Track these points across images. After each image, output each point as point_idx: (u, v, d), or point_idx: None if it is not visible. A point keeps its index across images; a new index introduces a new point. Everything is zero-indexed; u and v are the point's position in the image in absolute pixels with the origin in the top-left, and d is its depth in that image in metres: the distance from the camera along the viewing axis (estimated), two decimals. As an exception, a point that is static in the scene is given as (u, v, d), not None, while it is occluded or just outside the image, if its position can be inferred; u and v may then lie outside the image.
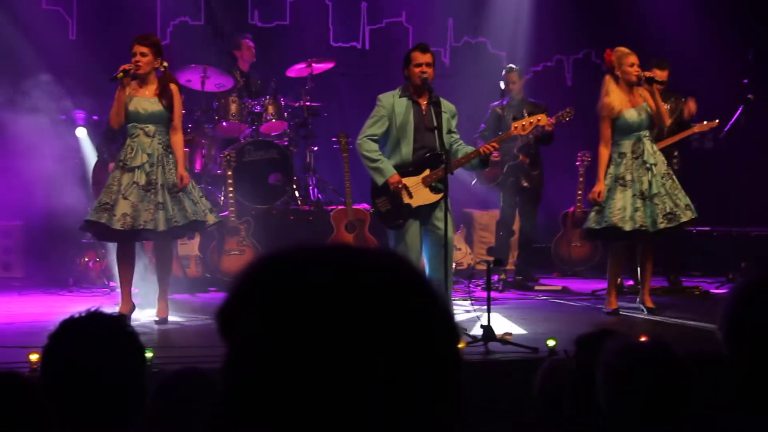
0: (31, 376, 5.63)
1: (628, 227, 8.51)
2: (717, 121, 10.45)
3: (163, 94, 8.30)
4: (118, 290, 8.56)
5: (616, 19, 13.70)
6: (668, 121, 9.32)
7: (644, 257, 8.93)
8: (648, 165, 8.60)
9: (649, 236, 8.65)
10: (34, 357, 5.85)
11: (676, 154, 10.32)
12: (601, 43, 11.25)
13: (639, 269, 9.08)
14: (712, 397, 2.77)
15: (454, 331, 1.38)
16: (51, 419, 2.02)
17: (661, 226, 8.55)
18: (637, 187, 8.56)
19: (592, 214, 8.76)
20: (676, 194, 8.64)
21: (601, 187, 8.66)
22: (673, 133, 10.29)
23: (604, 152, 8.73)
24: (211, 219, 8.46)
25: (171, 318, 8.45)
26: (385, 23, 14.02)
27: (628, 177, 8.59)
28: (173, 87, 8.43)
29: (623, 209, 8.52)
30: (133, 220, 8.05)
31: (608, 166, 8.70)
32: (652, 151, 8.68)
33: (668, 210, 8.57)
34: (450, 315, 1.38)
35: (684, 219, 8.61)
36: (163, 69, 8.36)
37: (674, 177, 8.74)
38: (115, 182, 8.14)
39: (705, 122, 10.42)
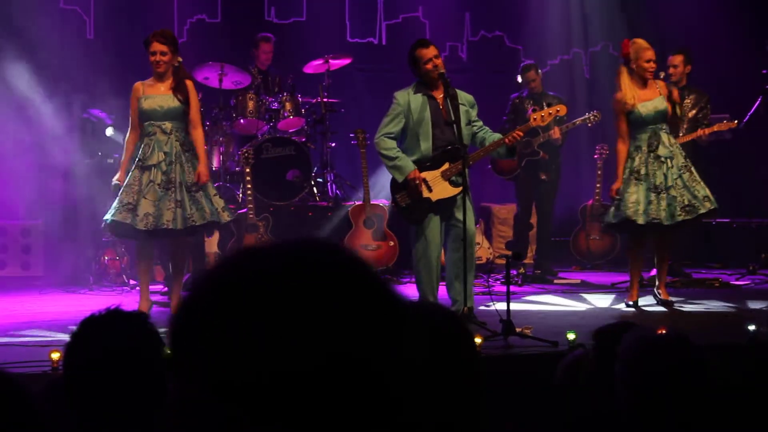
0: (55, 374, 5.67)
1: (641, 221, 8.49)
2: (736, 122, 10.39)
3: (179, 89, 8.30)
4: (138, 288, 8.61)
5: (633, 11, 13.65)
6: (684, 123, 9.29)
7: (660, 250, 8.92)
8: (662, 158, 8.57)
9: (665, 229, 8.62)
10: (55, 355, 5.87)
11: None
12: (618, 35, 11.24)
13: (656, 262, 9.07)
14: (730, 388, 2.76)
15: (400, 319, 1.35)
16: (44, 423, 1.99)
17: (680, 218, 8.52)
18: (652, 181, 8.54)
19: (612, 208, 8.74)
20: (694, 186, 8.60)
21: (619, 184, 8.64)
22: (693, 128, 10.25)
23: (621, 148, 8.70)
24: (225, 217, 8.45)
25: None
26: (402, 18, 14.01)
27: (643, 171, 8.56)
28: (189, 83, 8.43)
29: (637, 203, 8.51)
30: (156, 220, 8.06)
31: (626, 161, 8.67)
32: (668, 144, 8.65)
33: (686, 202, 8.54)
34: (399, 307, 1.36)
35: (702, 210, 8.57)
36: (177, 64, 8.37)
37: (693, 169, 8.70)
38: (136, 182, 8.12)
39: (725, 122, 10.36)
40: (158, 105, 8.23)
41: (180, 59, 8.40)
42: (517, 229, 11.50)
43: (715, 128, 10.22)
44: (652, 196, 8.52)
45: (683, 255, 10.86)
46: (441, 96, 8.08)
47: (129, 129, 8.43)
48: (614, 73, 8.95)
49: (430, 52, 8.06)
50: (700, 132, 10.12)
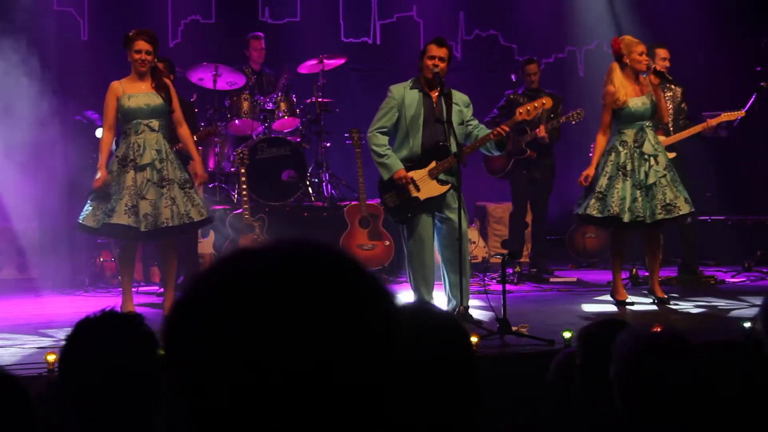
0: (51, 376, 5.67)
1: (626, 218, 8.47)
2: (744, 111, 10.37)
3: (160, 86, 8.29)
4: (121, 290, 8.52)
5: (629, 9, 13.67)
6: (667, 119, 9.27)
7: (650, 248, 8.90)
8: (646, 156, 8.57)
9: (647, 227, 8.62)
10: (51, 358, 5.87)
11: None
12: (613, 33, 11.25)
13: (647, 260, 9.05)
14: (727, 386, 2.76)
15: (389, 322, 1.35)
16: (44, 422, 2.00)
17: (659, 217, 8.52)
18: (637, 178, 8.53)
19: (592, 201, 8.62)
20: (676, 186, 8.61)
21: (591, 171, 8.61)
22: (684, 125, 10.22)
23: (601, 139, 8.69)
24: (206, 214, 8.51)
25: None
26: (396, 18, 14.01)
27: (629, 167, 8.56)
28: (169, 81, 8.48)
29: (623, 199, 8.49)
30: (155, 219, 8.05)
31: (609, 154, 8.64)
32: (654, 142, 8.65)
33: (667, 201, 8.53)
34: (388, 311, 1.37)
35: (683, 211, 8.56)
36: (154, 64, 8.35)
37: (674, 170, 8.69)
38: (133, 183, 8.08)
39: (733, 111, 10.33)
40: (144, 103, 8.20)
41: (156, 60, 8.39)
42: (512, 228, 11.49)
43: (724, 117, 10.20)
44: (638, 192, 8.51)
45: (697, 254, 10.82)
46: (436, 95, 8.09)
47: (104, 129, 8.30)
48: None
49: (439, 51, 8.07)
50: (710, 122, 10.09)
